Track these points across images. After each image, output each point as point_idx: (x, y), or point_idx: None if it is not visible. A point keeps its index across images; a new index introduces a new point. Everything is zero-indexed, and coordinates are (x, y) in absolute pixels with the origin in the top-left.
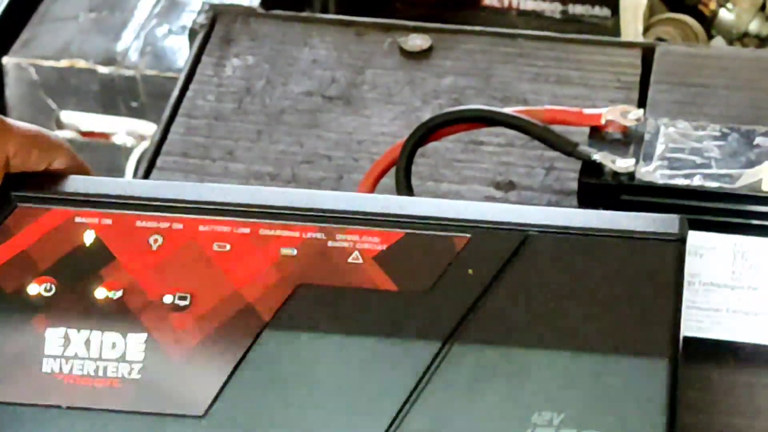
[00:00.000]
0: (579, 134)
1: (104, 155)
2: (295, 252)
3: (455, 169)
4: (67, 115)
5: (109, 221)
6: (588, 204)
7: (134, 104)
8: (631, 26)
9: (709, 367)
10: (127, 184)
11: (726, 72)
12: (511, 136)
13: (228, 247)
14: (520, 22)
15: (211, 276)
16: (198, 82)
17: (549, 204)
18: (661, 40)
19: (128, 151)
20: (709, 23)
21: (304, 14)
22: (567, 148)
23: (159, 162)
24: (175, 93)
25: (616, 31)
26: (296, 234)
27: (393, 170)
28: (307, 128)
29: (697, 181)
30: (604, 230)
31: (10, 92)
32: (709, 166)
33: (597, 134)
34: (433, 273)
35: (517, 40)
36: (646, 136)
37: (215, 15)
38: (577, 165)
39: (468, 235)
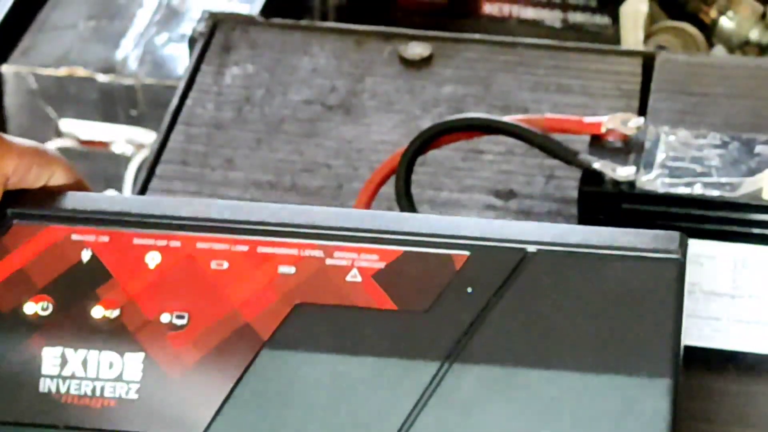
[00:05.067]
0: (579, 143)
1: (103, 164)
2: (293, 270)
3: (455, 177)
4: (66, 124)
5: (105, 239)
6: (588, 212)
7: (133, 112)
8: (632, 34)
9: (710, 376)
10: (124, 200)
11: (726, 80)
12: (512, 144)
13: (226, 265)
14: (521, 31)
15: (208, 295)
16: (197, 91)
17: (550, 212)
18: (661, 48)
19: (127, 159)
20: (709, 31)
21: (303, 23)
22: (567, 156)
23: (158, 170)
24: (175, 101)
25: (616, 39)
26: (294, 252)
27: (393, 179)
28: (306, 137)
29: (697, 190)
30: (603, 247)
31: (9, 101)
32: (709, 175)
33: (597, 143)
34: (432, 291)
35: (517, 48)
36: (647, 145)
37: (215, 23)
38: (578, 173)
39: (467, 253)
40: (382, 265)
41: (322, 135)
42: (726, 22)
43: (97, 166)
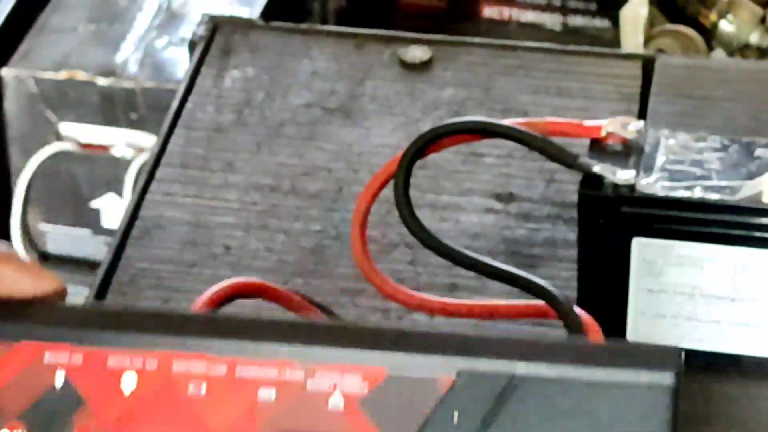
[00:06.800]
0: (579, 146)
1: (103, 167)
2: (273, 396)
3: (455, 180)
4: (66, 127)
5: (79, 359)
6: (588, 216)
7: (133, 116)
8: (632, 38)
9: (710, 379)
10: (99, 310)
11: (726, 84)
12: (511, 147)
13: (204, 389)
14: (521, 34)
15: (186, 423)
16: (197, 94)
17: (549, 216)
18: (661, 51)
19: (127, 162)
20: (709, 35)
21: (303, 26)
22: (567, 159)
23: (158, 174)
24: (175, 105)
25: (616, 42)
26: (274, 372)
27: (392, 182)
28: (306, 140)
29: (697, 193)
30: (592, 370)
31: (9, 104)
32: (709, 178)
33: (597, 146)
34: (417, 417)
35: (517, 51)
36: (647, 148)
37: (215, 27)
38: (578, 177)
39: (453, 377)
40: (365, 389)
41: (322, 138)
42: (726, 26)
43: (97, 169)
